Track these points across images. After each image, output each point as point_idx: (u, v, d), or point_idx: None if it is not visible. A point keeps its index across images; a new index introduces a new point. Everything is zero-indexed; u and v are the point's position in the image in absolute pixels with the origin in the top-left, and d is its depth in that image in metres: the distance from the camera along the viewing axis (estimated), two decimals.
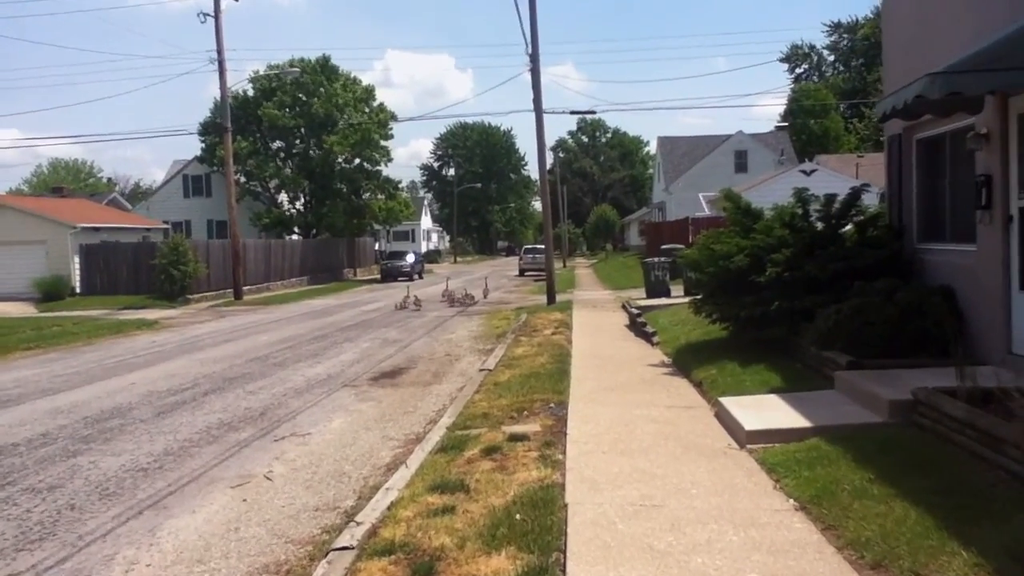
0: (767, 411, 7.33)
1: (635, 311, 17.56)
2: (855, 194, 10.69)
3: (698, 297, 11.70)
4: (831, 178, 31.64)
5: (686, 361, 10.88)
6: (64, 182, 74.20)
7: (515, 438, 7.22)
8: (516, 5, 32.02)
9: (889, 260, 9.89)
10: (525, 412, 8.48)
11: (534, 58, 23.28)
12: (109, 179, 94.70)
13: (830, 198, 10.76)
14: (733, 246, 10.54)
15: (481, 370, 11.76)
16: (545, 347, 13.53)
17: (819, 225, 10.70)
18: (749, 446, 6.65)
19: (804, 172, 33.87)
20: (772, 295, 9.91)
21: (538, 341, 14.46)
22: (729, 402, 7.79)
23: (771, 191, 27.35)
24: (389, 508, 5.62)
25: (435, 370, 12.79)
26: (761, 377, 8.89)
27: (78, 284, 32.11)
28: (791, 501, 5.29)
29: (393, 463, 7.26)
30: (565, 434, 7.31)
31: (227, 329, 20.84)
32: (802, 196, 10.87)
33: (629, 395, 9.17)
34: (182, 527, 5.93)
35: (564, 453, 6.65)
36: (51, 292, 30.78)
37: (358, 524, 5.42)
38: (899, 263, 9.92)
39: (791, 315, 9.71)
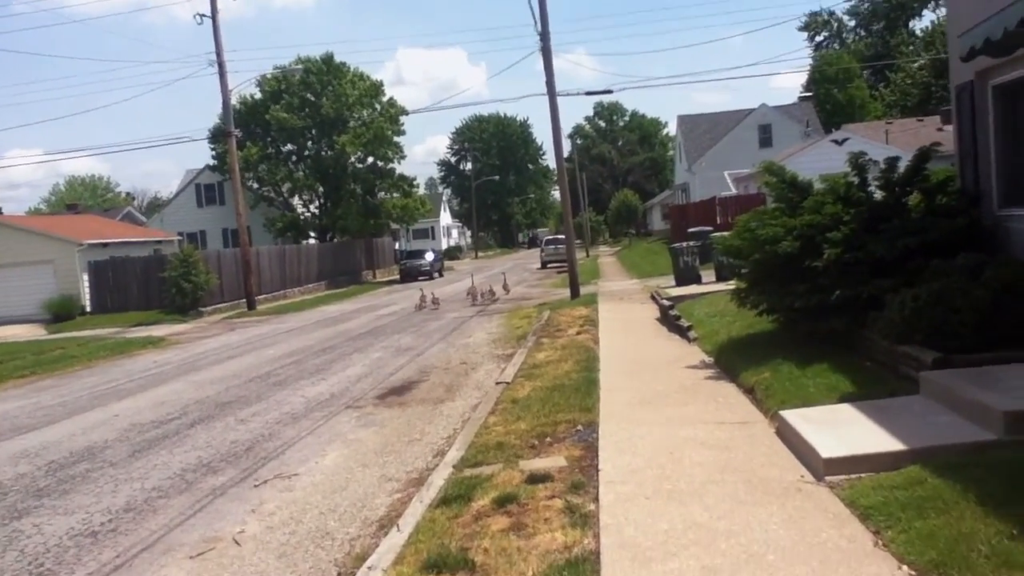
0: (843, 428, 5.91)
1: (666, 302, 16.10)
2: (923, 155, 9.13)
3: (741, 287, 10.23)
4: (864, 146, 29.44)
5: (731, 361, 9.44)
6: (81, 199, 74.17)
7: (535, 479, 5.88)
8: None
9: (966, 231, 8.41)
10: (547, 438, 7.14)
11: (544, 36, 21.81)
12: (127, 194, 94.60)
13: (891, 162, 9.24)
14: (780, 227, 9.06)
15: (498, 383, 10.41)
16: (569, 350, 12.16)
17: (879, 195, 9.21)
18: (828, 478, 5.25)
19: (836, 142, 31.84)
20: (830, 281, 8.46)
21: (562, 343, 13.09)
22: (793, 416, 6.38)
23: (801, 164, 25.63)
24: None
25: (448, 383, 11.49)
26: (826, 380, 7.43)
27: (88, 303, 31.10)
28: (904, 568, 3.91)
29: (388, 516, 5.96)
30: (597, 470, 5.94)
31: (234, 343, 19.69)
32: (859, 163, 9.35)
33: (670, 409, 7.78)
34: None
35: (597, 501, 5.28)
36: (60, 312, 29.82)
37: None
38: (979, 234, 8.44)
39: (855, 303, 8.27)
